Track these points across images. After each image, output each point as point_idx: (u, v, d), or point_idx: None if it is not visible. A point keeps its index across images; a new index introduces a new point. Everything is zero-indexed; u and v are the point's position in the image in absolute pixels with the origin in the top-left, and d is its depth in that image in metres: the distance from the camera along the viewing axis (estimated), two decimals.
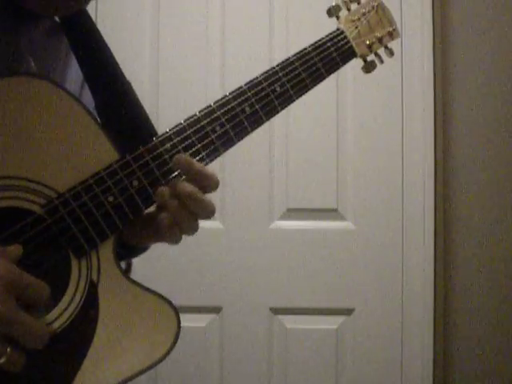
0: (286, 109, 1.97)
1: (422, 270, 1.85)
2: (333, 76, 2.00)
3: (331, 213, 1.89)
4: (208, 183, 0.76)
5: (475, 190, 1.86)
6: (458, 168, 1.86)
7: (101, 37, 0.86)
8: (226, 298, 1.87)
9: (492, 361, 1.84)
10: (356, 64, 1.96)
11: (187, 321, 1.89)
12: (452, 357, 1.84)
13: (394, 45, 0.98)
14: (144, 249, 0.88)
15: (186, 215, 0.74)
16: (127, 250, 0.84)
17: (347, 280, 1.87)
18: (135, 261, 1.74)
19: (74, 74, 0.87)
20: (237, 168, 1.88)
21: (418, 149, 1.86)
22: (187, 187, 0.74)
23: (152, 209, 0.77)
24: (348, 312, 1.87)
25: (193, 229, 0.76)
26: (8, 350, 0.63)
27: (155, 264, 1.82)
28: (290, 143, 1.89)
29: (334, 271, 1.87)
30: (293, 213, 1.89)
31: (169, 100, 1.88)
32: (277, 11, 1.92)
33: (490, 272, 1.84)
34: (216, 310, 1.88)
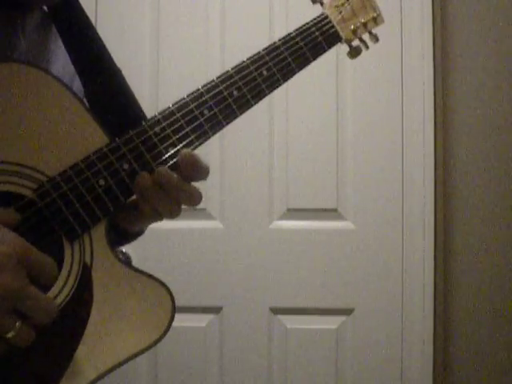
0: (286, 109, 1.98)
1: (421, 270, 1.84)
2: (332, 76, 2.01)
3: (331, 213, 1.88)
4: (201, 176, 0.76)
5: (475, 190, 1.86)
6: (458, 167, 1.86)
7: (90, 24, 0.86)
8: (226, 298, 1.87)
9: (492, 360, 1.83)
10: (356, 64, 1.96)
11: (187, 321, 1.90)
12: (452, 356, 1.84)
13: (380, 32, 0.98)
14: (138, 233, 0.88)
15: (168, 204, 0.74)
16: (122, 235, 0.84)
17: (347, 280, 1.86)
18: (135, 261, 1.74)
19: (63, 66, 0.87)
20: (237, 168, 1.88)
21: (417, 148, 1.86)
22: (172, 179, 0.74)
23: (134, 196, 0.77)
24: (348, 312, 1.87)
25: (176, 214, 0.76)
26: (17, 324, 0.63)
27: (155, 264, 1.81)
28: (290, 143, 1.89)
29: (334, 271, 1.87)
30: (293, 213, 1.89)
31: (169, 96, 1.87)
32: (276, 7, 1.92)
33: (490, 271, 1.84)
34: (216, 310, 1.88)
